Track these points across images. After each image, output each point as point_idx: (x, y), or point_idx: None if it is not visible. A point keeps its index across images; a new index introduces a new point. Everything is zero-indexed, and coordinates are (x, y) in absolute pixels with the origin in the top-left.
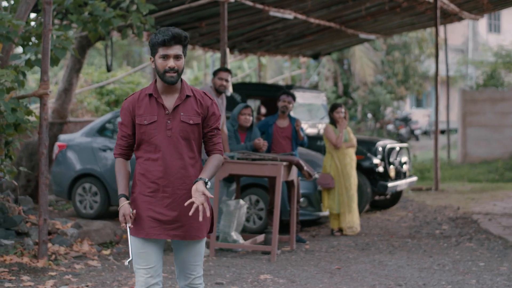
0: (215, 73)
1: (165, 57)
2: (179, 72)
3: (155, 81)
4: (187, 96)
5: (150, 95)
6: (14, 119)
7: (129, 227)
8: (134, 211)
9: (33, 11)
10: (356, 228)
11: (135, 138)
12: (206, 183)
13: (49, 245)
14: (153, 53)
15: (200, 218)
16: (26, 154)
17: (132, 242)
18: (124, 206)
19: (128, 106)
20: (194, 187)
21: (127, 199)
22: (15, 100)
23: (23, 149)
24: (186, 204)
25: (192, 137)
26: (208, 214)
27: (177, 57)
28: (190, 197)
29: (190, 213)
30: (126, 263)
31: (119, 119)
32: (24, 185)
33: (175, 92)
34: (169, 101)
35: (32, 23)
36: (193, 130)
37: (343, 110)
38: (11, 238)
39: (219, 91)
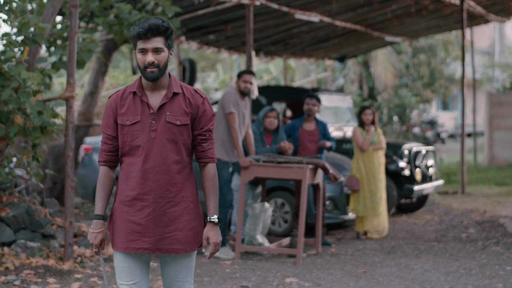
0: (239, 76)
1: (143, 51)
2: (160, 66)
3: (140, 77)
4: (175, 94)
5: (134, 93)
6: (41, 122)
7: (102, 253)
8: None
9: (59, 14)
10: (382, 232)
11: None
12: (217, 223)
13: (75, 247)
14: (134, 47)
15: (203, 250)
16: (52, 156)
17: (115, 256)
18: (99, 231)
19: (111, 104)
20: (205, 231)
21: (104, 220)
22: (41, 103)
23: (49, 152)
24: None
25: (180, 140)
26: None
27: (156, 50)
28: (174, 206)
29: (207, 259)
30: None
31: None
32: (50, 187)
33: (161, 89)
34: (155, 100)
35: (58, 26)
36: (180, 132)
37: (370, 112)
38: (37, 241)
39: (243, 93)
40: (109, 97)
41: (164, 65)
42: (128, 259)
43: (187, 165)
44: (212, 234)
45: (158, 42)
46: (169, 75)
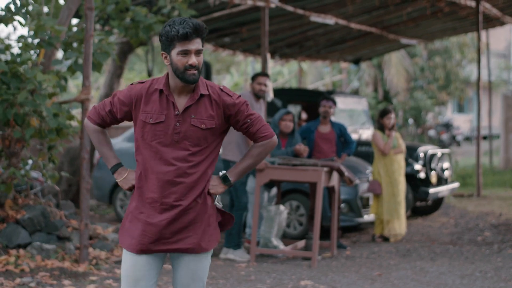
0: (253, 78)
1: (186, 52)
2: (199, 69)
3: (167, 75)
4: (201, 96)
5: (161, 91)
6: (56, 124)
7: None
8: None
9: (75, 16)
10: (400, 235)
11: (117, 122)
12: (224, 179)
13: (90, 249)
14: (168, 47)
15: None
16: (67, 159)
17: (123, 255)
18: (129, 175)
19: (136, 94)
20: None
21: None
22: (57, 105)
23: (65, 154)
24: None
25: (203, 144)
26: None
27: (198, 52)
28: (194, 210)
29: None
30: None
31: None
32: (65, 189)
33: (188, 90)
34: (181, 101)
35: (74, 29)
36: (205, 136)
37: (393, 116)
38: (52, 243)
39: (258, 96)
40: (134, 83)
41: (201, 68)
42: (137, 260)
43: (208, 167)
44: (212, 183)
45: (199, 43)
46: None
